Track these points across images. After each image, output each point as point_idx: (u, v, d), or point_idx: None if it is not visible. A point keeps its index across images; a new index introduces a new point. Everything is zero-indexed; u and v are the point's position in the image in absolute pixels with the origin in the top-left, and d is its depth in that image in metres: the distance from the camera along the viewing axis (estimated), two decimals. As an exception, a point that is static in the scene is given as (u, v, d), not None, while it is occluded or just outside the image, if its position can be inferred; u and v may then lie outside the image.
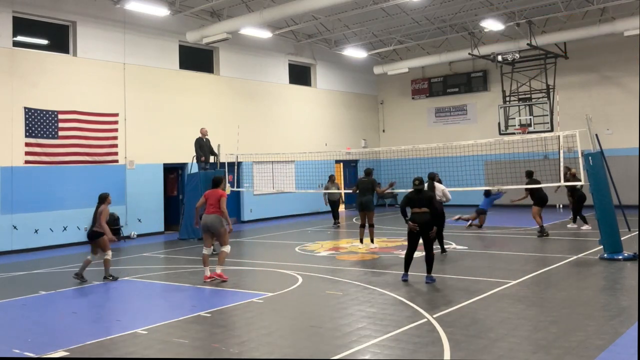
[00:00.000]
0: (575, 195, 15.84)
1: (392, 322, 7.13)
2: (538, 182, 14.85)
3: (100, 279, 10.63)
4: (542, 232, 14.48)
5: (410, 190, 9.73)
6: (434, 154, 17.70)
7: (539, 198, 14.83)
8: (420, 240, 9.56)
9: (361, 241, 13.76)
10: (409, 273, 9.62)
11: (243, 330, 7.15)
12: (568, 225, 16.23)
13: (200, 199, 10.58)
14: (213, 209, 10.08)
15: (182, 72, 19.59)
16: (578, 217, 16.08)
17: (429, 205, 9.43)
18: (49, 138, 15.83)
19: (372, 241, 13.66)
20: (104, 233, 10.44)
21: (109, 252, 10.56)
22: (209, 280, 9.99)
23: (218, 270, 10.06)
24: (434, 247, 10.09)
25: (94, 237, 10.52)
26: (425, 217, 9.36)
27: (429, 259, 9.51)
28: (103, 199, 10.72)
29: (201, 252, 10.55)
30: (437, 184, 12.55)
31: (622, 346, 5.96)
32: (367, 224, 13.72)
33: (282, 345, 6.48)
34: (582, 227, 15.77)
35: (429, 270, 9.53)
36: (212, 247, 10.34)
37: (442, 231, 12.28)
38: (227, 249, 10.20)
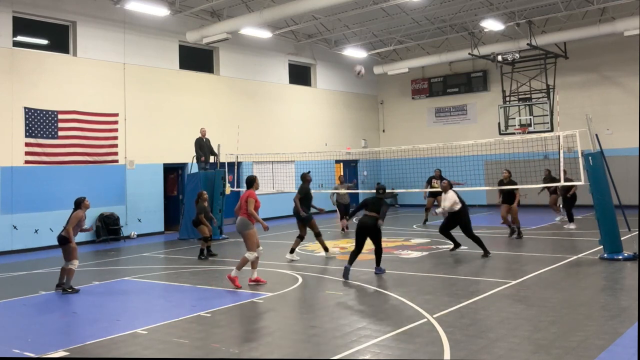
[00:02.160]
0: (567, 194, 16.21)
1: (392, 322, 7.13)
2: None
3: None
4: (514, 232, 14.55)
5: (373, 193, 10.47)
6: (434, 154, 17.71)
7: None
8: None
9: (291, 251, 12.34)
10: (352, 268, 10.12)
11: (243, 330, 7.14)
12: (571, 226, 16.22)
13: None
14: (242, 211, 9.71)
15: (182, 72, 19.59)
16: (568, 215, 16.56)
17: (378, 211, 10.00)
18: (49, 138, 15.83)
19: (325, 250, 12.45)
20: (69, 240, 9.67)
21: (75, 262, 9.70)
22: (253, 283, 9.63)
23: (232, 273, 9.55)
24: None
25: (59, 243, 9.82)
26: (371, 220, 9.98)
27: (378, 253, 10.30)
28: (78, 203, 9.93)
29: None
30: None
31: (622, 346, 5.95)
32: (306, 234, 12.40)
33: (282, 345, 6.47)
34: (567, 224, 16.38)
35: (378, 262, 10.32)
36: (259, 248, 9.83)
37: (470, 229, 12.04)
38: (249, 255, 9.58)
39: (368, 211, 10.07)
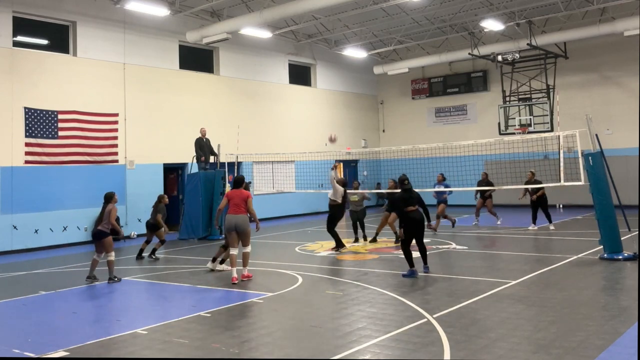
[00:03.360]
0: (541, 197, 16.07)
1: (392, 322, 7.13)
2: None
3: (102, 279, 10.63)
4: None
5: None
6: (434, 154, 17.69)
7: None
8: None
9: (213, 260, 11.12)
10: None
11: (243, 330, 7.14)
12: (529, 228, 16.19)
13: (222, 200, 10.49)
14: (239, 209, 9.99)
15: (182, 72, 19.59)
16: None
17: (420, 203, 10.21)
18: (49, 138, 15.83)
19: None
20: (108, 233, 10.33)
21: (112, 254, 10.42)
22: (237, 282, 9.75)
23: (245, 271, 10.02)
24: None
25: (98, 237, 10.39)
26: (420, 214, 10.18)
27: (424, 251, 10.31)
28: (109, 198, 10.58)
29: (202, 251, 10.46)
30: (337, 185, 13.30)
31: (622, 346, 5.95)
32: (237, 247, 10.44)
33: (282, 345, 6.47)
34: (531, 228, 16.17)
35: (425, 261, 10.29)
36: (239, 247, 10.18)
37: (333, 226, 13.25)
38: (249, 249, 10.28)
39: (410, 206, 10.01)
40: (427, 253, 10.50)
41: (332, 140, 14.50)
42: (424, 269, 10.20)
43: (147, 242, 13.24)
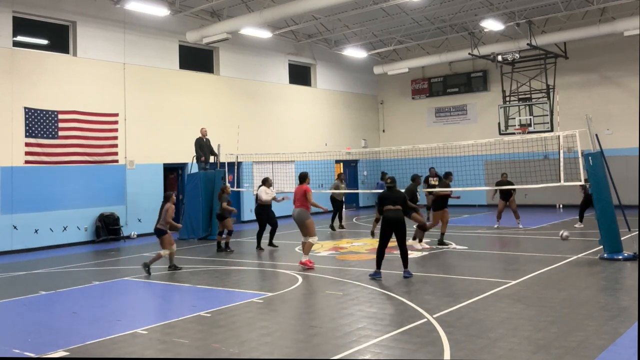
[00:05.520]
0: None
1: (392, 322, 7.13)
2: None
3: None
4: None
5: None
6: (434, 154, 17.69)
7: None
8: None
9: (419, 239, 13.26)
10: (381, 271, 9.82)
11: (243, 330, 7.14)
12: (575, 225, 16.18)
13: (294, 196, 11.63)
14: (299, 204, 11.07)
15: (182, 72, 19.59)
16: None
17: (402, 203, 9.81)
18: (49, 138, 15.83)
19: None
20: (166, 231, 11.09)
21: (167, 250, 11.16)
22: (302, 265, 10.89)
23: (303, 259, 10.87)
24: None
25: (158, 234, 11.17)
26: (398, 214, 9.70)
27: (403, 254, 9.80)
28: (167, 197, 11.39)
29: (202, 251, 10.44)
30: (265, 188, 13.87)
31: (622, 346, 5.95)
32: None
33: (282, 345, 6.47)
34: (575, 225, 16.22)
35: (405, 265, 9.85)
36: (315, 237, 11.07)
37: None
38: (313, 240, 11.00)
39: (391, 205, 9.70)
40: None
41: (564, 237, 13.94)
42: (404, 273, 9.78)
43: (220, 234, 13.92)
